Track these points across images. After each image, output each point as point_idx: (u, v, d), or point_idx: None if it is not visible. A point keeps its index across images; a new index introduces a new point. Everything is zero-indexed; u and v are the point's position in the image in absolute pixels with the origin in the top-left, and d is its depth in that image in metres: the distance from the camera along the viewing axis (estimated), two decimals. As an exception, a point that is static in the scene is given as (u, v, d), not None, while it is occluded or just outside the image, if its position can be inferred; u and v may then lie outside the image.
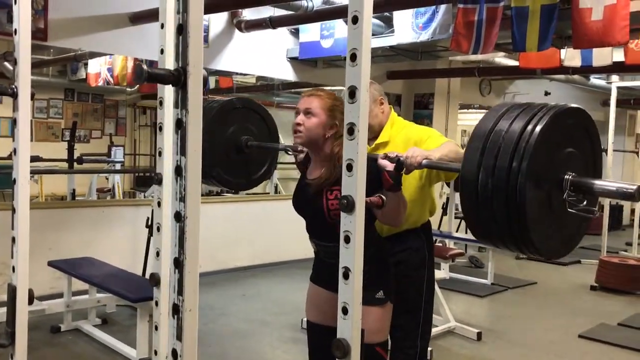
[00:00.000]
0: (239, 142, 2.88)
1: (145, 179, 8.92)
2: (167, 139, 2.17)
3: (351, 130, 1.53)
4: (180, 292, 1.27)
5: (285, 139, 11.58)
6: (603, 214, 6.84)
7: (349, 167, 1.54)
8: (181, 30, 1.24)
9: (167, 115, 2.15)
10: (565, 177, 1.68)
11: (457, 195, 6.89)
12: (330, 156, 2.20)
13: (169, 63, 2.07)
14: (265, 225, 6.57)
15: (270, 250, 6.61)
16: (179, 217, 1.28)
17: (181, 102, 1.25)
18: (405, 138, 2.57)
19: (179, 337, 1.29)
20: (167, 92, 2.13)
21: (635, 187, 1.60)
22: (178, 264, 1.28)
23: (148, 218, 4.84)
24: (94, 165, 6.72)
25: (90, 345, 3.98)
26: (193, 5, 1.23)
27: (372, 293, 2.17)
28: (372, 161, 2.11)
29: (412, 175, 2.42)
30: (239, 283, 5.83)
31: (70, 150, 6.25)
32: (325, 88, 2.33)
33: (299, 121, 2.21)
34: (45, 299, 4.32)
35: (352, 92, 1.51)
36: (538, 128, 1.63)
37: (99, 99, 10.59)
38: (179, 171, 1.27)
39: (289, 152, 2.57)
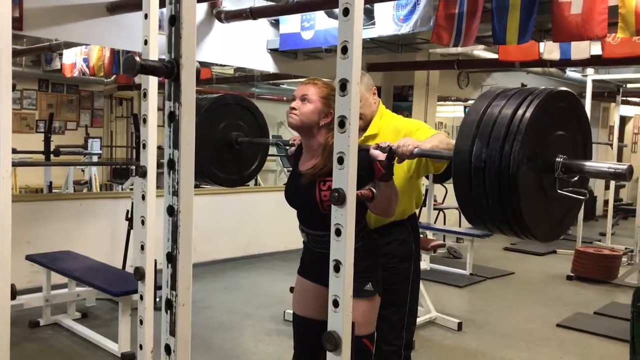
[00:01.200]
0: (229, 138, 2.86)
1: (122, 171, 8.81)
2: (152, 131, 2.15)
3: (342, 123, 1.52)
4: (173, 287, 1.26)
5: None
6: (579, 205, 6.97)
7: (340, 160, 1.54)
8: (174, 21, 1.22)
9: (152, 107, 2.12)
10: (557, 159, 1.70)
11: (436, 186, 6.95)
12: (324, 146, 2.21)
13: (153, 54, 2.04)
14: (246, 218, 6.56)
15: (251, 242, 6.60)
16: (172, 211, 1.26)
17: (174, 94, 1.23)
18: (394, 130, 2.57)
19: (172, 332, 1.28)
20: (152, 84, 2.10)
21: (625, 166, 1.62)
22: (171, 258, 1.26)
23: (128, 211, 4.79)
24: (70, 158, 6.61)
25: (70, 340, 3.93)
26: (186, -5, 1.21)
27: (361, 285, 2.17)
28: (363, 152, 2.12)
29: (401, 166, 2.44)
30: (221, 276, 5.81)
31: (47, 142, 6.14)
32: (323, 79, 2.33)
33: (294, 105, 2.23)
34: (23, 293, 4.25)
35: (344, 85, 1.50)
36: (529, 112, 1.64)
37: (74, 90, 10.40)
38: (172, 165, 1.25)
39: (281, 146, 2.56)
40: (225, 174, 2.93)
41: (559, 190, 1.68)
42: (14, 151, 6.12)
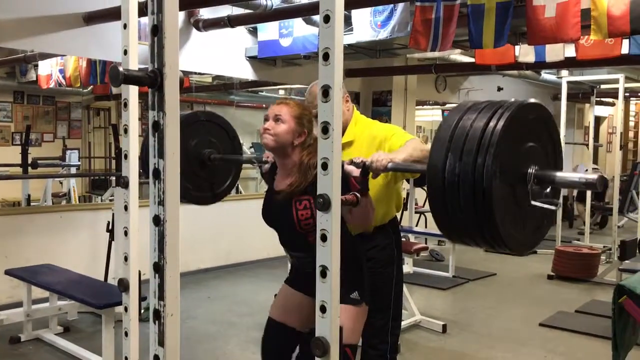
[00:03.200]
0: (201, 155, 2.80)
1: (101, 182, 8.72)
2: (133, 142, 2.14)
3: (325, 129, 1.53)
4: (161, 297, 1.26)
5: (244, 137, 11.42)
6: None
7: (324, 166, 1.54)
8: (156, 31, 1.22)
9: (133, 117, 2.12)
10: (529, 170, 1.71)
11: (417, 190, 7.00)
12: (299, 165, 2.23)
13: (133, 64, 2.03)
14: (227, 226, 6.52)
15: (233, 250, 6.57)
16: (157, 221, 1.26)
17: (158, 104, 1.23)
18: (370, 137, 2.59)
19: (161, 342, 1.27)
20: (132, 93, 2.09)
21: (596, 176, 1.64)
22: (158, 268, 1.26)
23: (108, 222, 4.74)
24: (49, 170, 6.52)
25: (52, 355, 3.87)
26: (168, 5, 1.21)
27: (347, 293, 2.17)
28: None
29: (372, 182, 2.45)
30: (204, 285, 5.77)
31: (24, 154, 6.06)
32: (294, 98, 2.38)
33: (267, 126, 2.25)
34: (3, 309, 4.18)
35: (326, 91, 1.51)
36: (500, 124, 1.64)
37: (51, 101, 10.27)
38: (157, 174, 1.25)
39: (254, 163, 2.55)
40: (198, 192, 2.86)
41: (532, 202, 1.69)
42: (-10, 164, 6.00)
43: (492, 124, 1.66)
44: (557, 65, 6.50)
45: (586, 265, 6.29)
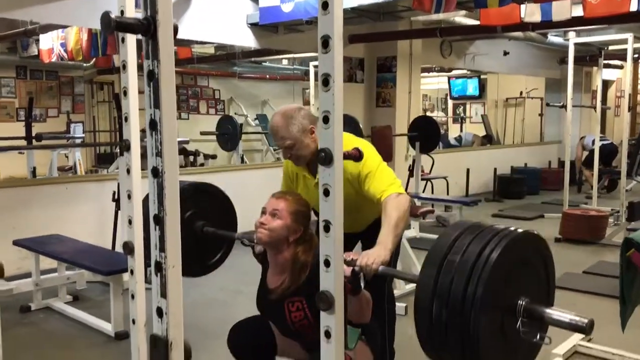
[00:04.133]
0: (194, 228, 2.66)
1: (106, 156, 8.73)
2: (134, 104, 2.11)
3: (326, 82, 1.50)
4: (162, 248, 1.25)
5: (248, 109, 11.37)
6: (564, 169, 7.01)
7: (325, 120, 1.51)
8: (148, -23, 1.19)
9: (132, 79, 2.09)
10: (519, 302, 1.66)
11: (423, 156, 6.96)
12: (292, 262, 2.20)
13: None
14: (234, 196, 6.50)
15: (240, 220, 6.56)
16: (156, 172, 1.24)
17: (152, 52, 1.20)
18: (345, 174, 2.46)
19: (164, 294, 1.26)
20: (130, 55, 2.06)
21: (587, 320, 1.60)
22: (158, 220, 1.25)
23: (114, 192, 4.75)
24: (52, 141, 6.54)
25: (62, 323, 3.91)
26: (159, -51, 1.18)
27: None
28: None
29: (345, 187, 2.35)
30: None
31: (28, 127, 6.06)
32: (293, 193, 2.36)
33: (263, 221, 2.22)
34: (12, 279, 4.21)
35: (326, 80, 1.47)
36: (493, 255, 1.61)
37: (54, 76, 10.24)
38: (153, 125, 1.23)
39: (246, 244, 2.50)
40: (187, 264, 2.79)
41: (522, 335, 1.64)
42: (-5, 139, 6.00)
43: (485, 254, 1.62)
44: (564, 25, 6.36)
45: (594, 227, 6.26)
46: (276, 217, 2.21)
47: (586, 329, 1.61)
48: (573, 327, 1.65)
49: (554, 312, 1.66)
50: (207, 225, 2.71)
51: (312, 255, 2.19)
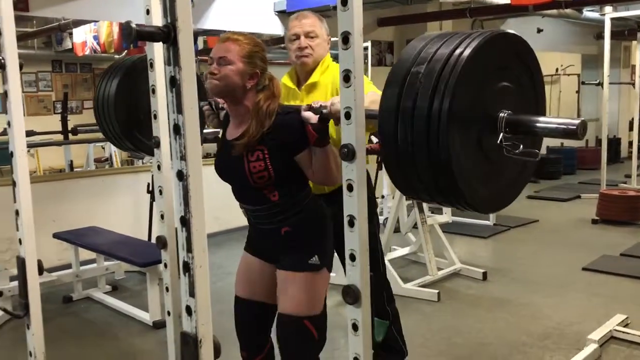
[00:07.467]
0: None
1: (142, 146, 8.88)
2: (161, 101, 2.15)
3: (347, 78, 1.51)
4: (189, 249, 1.28)
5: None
6: (601, 148, 6.84)
7: (347, 115, 1.52)
8: (167, -16, 1.20)
9: (159, 77, 2.13)
10: (500, 115, 1.47)
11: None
12: (256, 110, 1.99)
13: (157, 23, 2.03)
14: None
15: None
16: (181, 175, 1.27)
17: (173, 59, 1.22)
18: (333, 83, 2.51)
19: (192, 293, 1.30)
20: (157, 53, 2.10)
21: (577, 122, 1.42)
22: (185, 222, 1.28)
23: (148, 184, 4.85)
24: (89, 136, 6.68)
25: (102, 312, 4.04)
26: (177, -43, 1.20)
27: (305, 258, 2.04)
28: (294, 114, 1.98)
29: (337, 129, 2.30)
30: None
31: (64, 121, 6.20)
32: (244, 32, 2.09)
33: (212, 70, 1.97)
34: (54, 270, 4.35)
35: (347, 76, 1.48)
36: (461, 61, 1.39)
37: (88, 69, 10.46)
38: (177, 130, 1.26)
39: (204, 107, 2.29)
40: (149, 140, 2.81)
41: (505, 152, 1.45)
42: (33, 133, 6.18)
43: (451, 61, 1.41)
44: (599, 1, 6.17)
45: (632, 208, 6.12)
46: (225, 64, 1.96)
47: (578, 132, 1.40)
48: (563, 133, 1.45)
49: (541, 119, 1.47)
50: None
51: (277, 104, 2.02)
